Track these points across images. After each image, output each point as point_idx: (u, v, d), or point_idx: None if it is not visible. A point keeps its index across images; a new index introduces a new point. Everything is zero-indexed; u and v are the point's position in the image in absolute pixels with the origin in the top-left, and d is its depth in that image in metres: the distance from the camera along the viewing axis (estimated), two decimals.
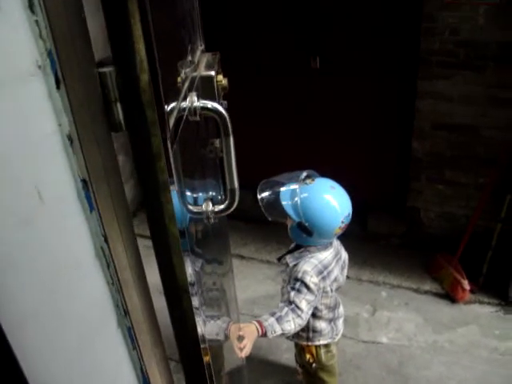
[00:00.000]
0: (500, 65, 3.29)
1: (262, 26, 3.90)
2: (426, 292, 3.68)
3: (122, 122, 0.82)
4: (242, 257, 4.05)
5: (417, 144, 3.72)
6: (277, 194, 2.29)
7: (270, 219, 2.32)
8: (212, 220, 1.29)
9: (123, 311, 0.94)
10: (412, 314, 3.52)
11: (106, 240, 0.84)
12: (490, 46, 3.27)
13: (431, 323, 3.44)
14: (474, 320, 3.43)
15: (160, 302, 1.06)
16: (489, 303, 3.54)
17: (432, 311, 3.53)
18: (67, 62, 0.70)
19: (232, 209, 1.28)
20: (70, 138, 0.74)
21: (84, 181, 0.78)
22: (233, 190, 1.25)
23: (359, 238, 3.91)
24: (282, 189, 2.28)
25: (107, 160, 0.83)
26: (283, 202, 2.25)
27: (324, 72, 3.86)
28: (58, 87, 0.70)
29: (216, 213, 1.28)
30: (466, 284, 3.47)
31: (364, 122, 3.93)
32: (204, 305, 1.95)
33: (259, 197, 2.29)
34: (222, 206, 1.28)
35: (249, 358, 2.84)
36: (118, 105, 0.81)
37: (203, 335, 1.33)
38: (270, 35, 3.88)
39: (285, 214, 2.27)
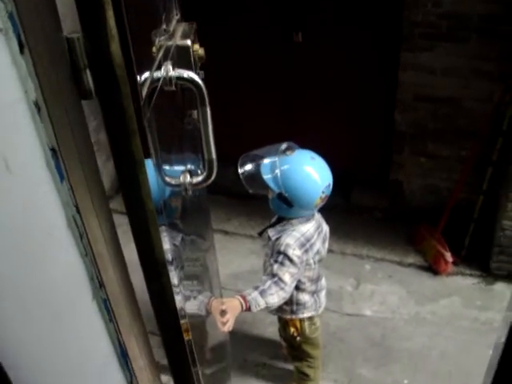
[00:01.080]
0: (482, 37, 3.28)
1: None
2: (409, 265, 3.71)
3: (92, 89, 0.80)
4: (225, 232, 4.05)
5: (399, 117, 3.71)
6: (257, 167, 2.28)
7: (251, 192, 2.31)
8: (190, 192, 1.28)
9: (98, 284, 0.93)
10: (395, 287, 3.55)
11: (78, 211, 0.83)
12: (473, 18, 3.25)
13: (414, 295, 3.47)
14: (456, 292, 3.47)
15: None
16: (471, 275, 3.58)
17: (415, 283, 3.57)
18: (30, 25, 0.68)
19: (210, 180, 1.26)
20: (36, 105, 0.72)
21: (53, 150, 0.76)
22: (211, 161, 1.24)
23: (343, 212, 3.93)
24: (263, 161, 2.27)
25: (77, 129, 0.81)
26: (264, 176, 2.25)
27: (306, 46, 3.83)
28: (21, 52, 0.68)
29: (194, 184, 1.27)
30: (449, 256, 3.50)
31: (347, 94, 3.92)
32: (184, 279, 1.95)
33: (240, 171, 2.27)
34: (199, 178, 1.27)
35: (233, 333, 2.85)
36: (88, 72, 0.79)
37: (183, 310, 1.32)
38: (252, 8, 3.83)
39: (266, 187, 2.26)
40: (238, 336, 3.14)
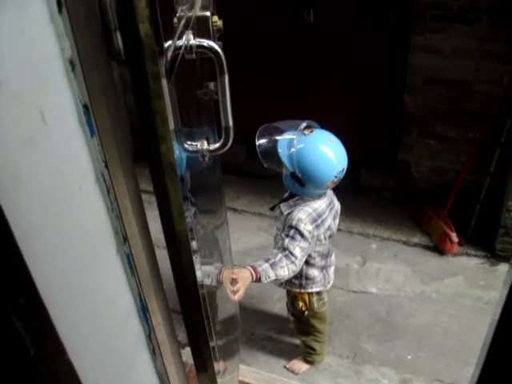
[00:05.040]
0: (494, 18, 3.29)
1: None
2: (415, 244, 3.76)
3: (122, 51, 0.85)
4: (234, 210, 4.10)
5: (409, 99, 3.74)
6: (274, 142, 2.28)
7: (265, 166, 2.31)
8: (207, 158, 1.32)
9: (122, 238, 0.98)
10: (401, 266, 3.60)
11: (106, 166, 0.88)
12: None
13: (419, 274, 3.52)
14: (461, 271, 3.52)
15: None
16: (476, 255, 3.62)
17: (420, 263, 3.62)
18: None
19: (227, 147, 1.31)
20: (71, 63, 0.77)
21: (85, 106, 0.81)
22: (227, 128, 1.28)
23: (351, 192, 3.96)
24: (280, 137, 2.27)
25: (108, 87, 0.85)
26: (279, 151, 2.25)
27: (317, 25, 3.85)
28: (60, 11, 0.72)
29: (211, 151, 1.31)
30: (455, 236, 3.54)
31: (357, 76, 3.94)
32: (196, 252, 2.00)
33: (257, 142, 2.26)
34: (217, 145, 1.31)
35: (241, 307, 2.91)
36: (118, 34, 0.83)
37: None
38: None
39: (280, 163, 2.28)
40: (246, 311, 3.21)
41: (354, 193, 4.02)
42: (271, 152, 2.28)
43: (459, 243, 3.59)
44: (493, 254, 3.58)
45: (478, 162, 3.56)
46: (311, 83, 4.10)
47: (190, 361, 1.40)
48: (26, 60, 0.70)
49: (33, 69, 0.71)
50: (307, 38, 3.92)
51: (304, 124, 2.27)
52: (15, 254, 0.66)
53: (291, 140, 2.23)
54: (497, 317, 0.89)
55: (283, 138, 2.27)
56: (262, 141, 2.28)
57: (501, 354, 0.91)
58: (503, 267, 3.50)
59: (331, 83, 4.03)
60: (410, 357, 3.01)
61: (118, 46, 0.84)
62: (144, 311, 1.11)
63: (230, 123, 1.28)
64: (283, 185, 2.40)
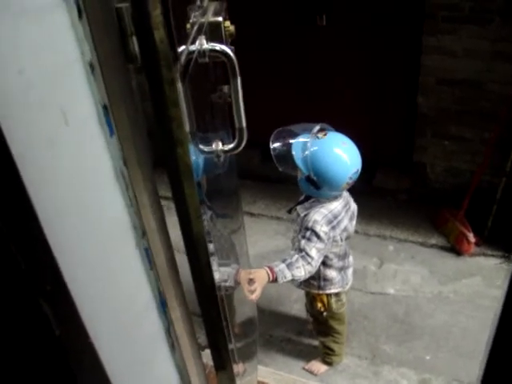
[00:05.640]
0: (505, 19, 3.30)
1: None
2: (432, 246, 3.77)
3: (138, 55, 0.89)
4: (251, 214, 4.14)
5: (422, 100, 3.76)
6: (289, 146, 2.31)
7: (280, 169, 2.35)
8: (222, 158, 1.37)
9: (141, 233, 1.02)
10: (418, 267, 3.61)
11: (125, 163, 0.92)
12: (496, 0, 3.28)
13: (437, 275, 3.53)
14: (478, 271, 3.52)
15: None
16: (493, 255, 3.62)
17: (438, 264, 3.63)
18: None
19: (240, 147, 1.35)
20: (91, 66, 0.82)
21: (105, 106, 0.86)
22: (241, 129, 1.32)
23: (366, 194, 3.96)
24: (294, 140, 2.30)
25: (125, 89, 0.90)
26: (294, 154, 2.28)
27: (330, 29, 3.89)
28: (80, 17, 0.77)
29: (225, 151, 1.36)
30: (471, 237, 3.55)
31: (370, 78, 3.97)
32: (213, 254, 2.03)
33: (272, 146, 2.30)
34: (231, 145, 1.35)
35: (259, 310, 2.94)
36: (134, 38, 0.88)
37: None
38: None
39: (295, 166, 2.31)
40: (264, 313, 3.24)
41: (368, 195, 4.03)
42: (286, 156, 2.31)
43: (476, 243, 3.60)
44: (510, 253, 3.57)
45: (494, 161, 3.56)
46: (324, 86, 4.13)
47: (210, 363, 1.45)
48: (49, 64, 0.75)
49: (55, 72, 0.76)
50: (320, 41, 3.96)
51: (317, 127, 2.30)
52: (44, 246, 0.71)
53: (305, 143, 2.27)
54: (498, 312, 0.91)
55: (297, 142, 2.31)
56: (277, 145, 2.32)
57: (503, 351, 0.93)
58: None
59: (344, 86, 4.07)
60: (428, 357, 3.03)
61: (134, 51, 0.89)
62: (163, 305, 1.15)
63: (244, 124, 1.32)
64: (298, 188, 2.44)
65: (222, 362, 1.41)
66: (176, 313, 1.19)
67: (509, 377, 0.94)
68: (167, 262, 1.12)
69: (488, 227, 3.63)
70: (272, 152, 2.31)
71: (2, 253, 0.66)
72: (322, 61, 4.05)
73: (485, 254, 3.63)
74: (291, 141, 2.32)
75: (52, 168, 0.77)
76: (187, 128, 1.25)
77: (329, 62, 4.02)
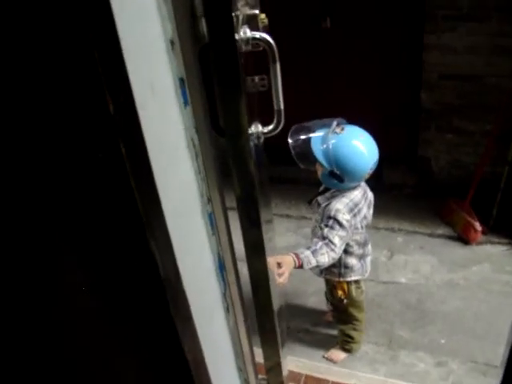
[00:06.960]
0: (502, 14, 3.44)
1: None
2: (439, 236, 3.88)
3: (206, 35, 1.01)
4: None
5: (425, 95, 3.89)
6: (307, 142, 2.38)
7: (301, 166, 2.42)
8: (262, 140, 1.47)
9: (207, 199, 1.13)
10: (427, 257, 3.72)
11: (196, 131, 1.03)
12: None
13: (446, 263, 3.64)
14: (486, 258, 3.63)
15: None
16: (499, 243, 3.73)
17: (446, 253, 3.73)
18: None
19: (279, 128, 1.46)
20: (172, 42, 0.93)
21: (181, 79, 0.97)
22: (279, 111, 1.43)
23: (373, 189, 4.07)
24: (313, 136, 2.38)
25: (197, 65, 1.01)
26: (315, 152, 2.36)
27: (334, 31, 4.02)
28: None
29: (265, 133, 1.47)
30: (478, 225, 3.66)
31: (374, 76, 4.09)
32: None
33: (290, 143, 2.35)
34: (270, 127, 1.46)
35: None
36: (203, 20, 1.00)
37: None
38: None
39: (315, 162, 2.39)
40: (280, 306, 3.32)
41: (375, 190, 4.11)
42: (306, 153, 2.38)
43: (482, 232, 3.71)
44: None
45: (496, 152, 3.68)
46: (330, 86, 4.25)
47: None
48: (141, 41, 0.86)
49: (146, 47, 0.87)
50: (326, 43, 4.09)
51: (335, 122, 2.39)
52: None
53: (324, 139, 2.35)
54: None
55: (316, 137, 2.38)
56: (295, 141, 2.38)
57: None
58: None
59: (349, 85, 4.19)
60: (443, 341, 3.12)
61: (202, 30, 1.00)
62: (221, 269, 1.25)
63: (282, 106, 1.43)
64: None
65: (269, 337, 1.52)
66: (232, 277, 1.30)
67: None
68: (226, 229, 1.22)
69: (493, 216, 3.75)
70: (292, 150, 2.37)
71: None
72: (327, 61, 4.18)
73: (491, 242, 3.74)
74: (310, 136, 2.39)
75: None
76: None
77: (334, 62, 4.15)
